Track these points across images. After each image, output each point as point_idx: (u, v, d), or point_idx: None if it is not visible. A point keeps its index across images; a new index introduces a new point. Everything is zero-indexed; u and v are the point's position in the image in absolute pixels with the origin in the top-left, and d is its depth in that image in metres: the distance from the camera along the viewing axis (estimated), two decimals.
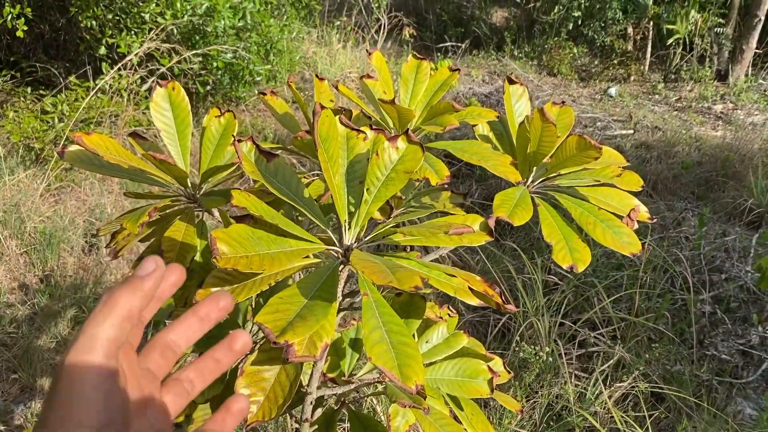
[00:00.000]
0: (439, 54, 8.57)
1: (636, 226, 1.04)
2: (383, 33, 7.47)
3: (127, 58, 3.72)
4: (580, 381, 2.38)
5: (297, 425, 0.94)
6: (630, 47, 8.22)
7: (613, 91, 7.35)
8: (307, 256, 0.76)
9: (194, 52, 3.82)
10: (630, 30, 8.23)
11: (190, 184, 0.94)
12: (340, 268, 0.77)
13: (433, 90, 1.02)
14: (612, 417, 2.20)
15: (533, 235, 3.56)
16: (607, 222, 0.99)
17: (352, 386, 0.94)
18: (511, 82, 1.11)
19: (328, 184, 0.73)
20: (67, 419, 0.34)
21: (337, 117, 0.81)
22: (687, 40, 7.72)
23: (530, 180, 1.08)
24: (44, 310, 2.57)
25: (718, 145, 5.04)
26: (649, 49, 7.94)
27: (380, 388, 1.12)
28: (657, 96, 7.23)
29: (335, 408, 1.09)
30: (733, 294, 2.93)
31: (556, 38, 8.74)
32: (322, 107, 0.70)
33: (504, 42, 9.14)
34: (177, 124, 0.96)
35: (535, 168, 1.07)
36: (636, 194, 1.11)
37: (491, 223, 0.81)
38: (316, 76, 1.09)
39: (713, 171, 4.43)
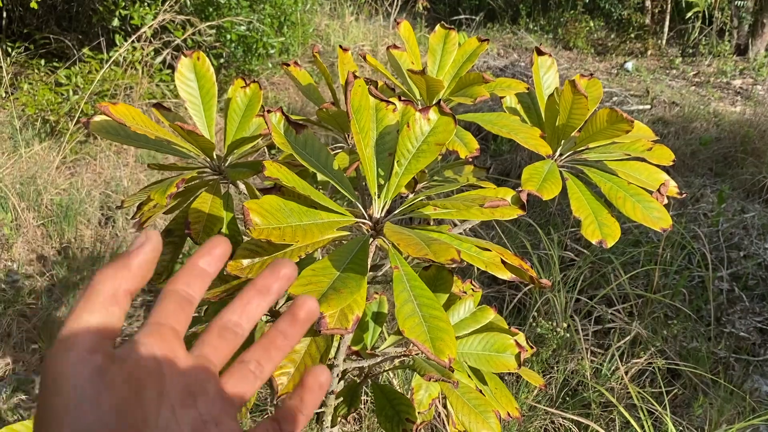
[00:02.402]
0: (452, 27, 8.44)
1: (666, 201, 1.03)
2: (396, 5, 7.38)
3: (141, 30, 3.69)
4: (596, 357, 2.38)
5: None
6: (647, 21, 8.08)
7: (629, 65, 7.24)
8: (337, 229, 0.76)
9: (208, 24, 3.78)
10: (648, 3, 8.08)
11: (215, 156, 0.93)
12: (370, 241, 0.76)
13: (461, 61, 1.00)
14: (628, 393, 2.20)
15: (549, 211, 3.54)
16: (637, 197, 0.98)
17: (378, 359, 0.94)
18: (540, 53, 1.08)
19: (359, 155, 0.72)
20: (49, 425, 0.31)
21: (368, 88, 0.79)
22: (706, 13, 7.58)
23: (558, 154, 1.07)
24: (62, 282, 2.59)
25: (737, 120, 4.97)
26: (667, 23, 7.80)
27: (400, 362, 1.12)
28: (674, 71, 7.11)
29: (358, 381, 1.09)
30: (752, 271, 2.91)
31: (572, 11, 8.61)
32: (355, 76, 0.68)
33: (519, 15, 9.02)
34: (202, 95, 0.94)
35: (563, 141, 1.06)
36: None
37: (523, 197, 0.79)
38: (340, 47, 1.07)
39: (732, 147, 4.37)
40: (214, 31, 4.01)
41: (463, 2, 9.72)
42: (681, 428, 2.06)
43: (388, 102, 0.80)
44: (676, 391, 2.32)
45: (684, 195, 1.09)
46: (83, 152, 3.51)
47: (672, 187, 1.07)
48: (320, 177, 1.02)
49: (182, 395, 0.36)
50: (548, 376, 2.20)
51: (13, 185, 2.97)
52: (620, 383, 2.24)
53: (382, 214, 0.77)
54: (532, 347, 1.18)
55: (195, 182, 0.96)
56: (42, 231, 2.88)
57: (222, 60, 4.29)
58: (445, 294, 0.90)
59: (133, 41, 3.72)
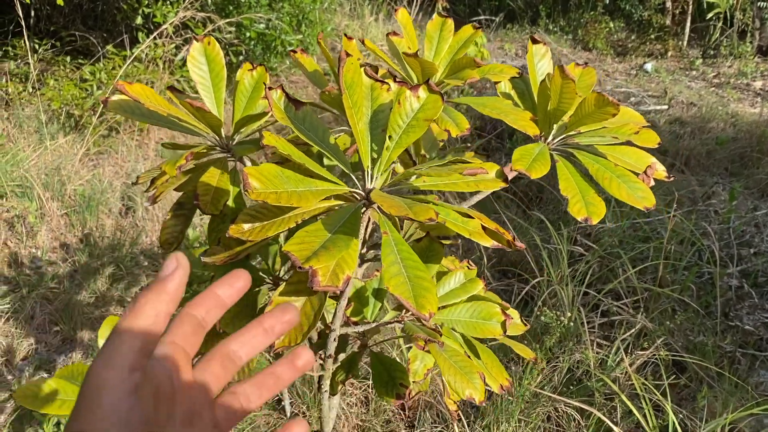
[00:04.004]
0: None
1: (652, 182, 1.07)
2: (416, 5, 7.44)
3: (162, 27, 3.79)
4: (601, 349, 2.41)
5: (321, 361, 1.00)
6: (668, 22, 8.05)
7: (648, 66, 7.23)
8: (331, 198, 0.82)
9: (227, 20, 3.88)
10: (668, 4, 8.05)
11: (224, 134, 1.00)
12: (362, 210, 0.82)
13: (456, 47, 1.05)
14: (632, 384, 2.23)
15: (561, 209, 3.57)
16: (623, 177, 1.02)
17: (373, 325, 1.00)
18: (535, 41, 1.13)
19: (352, 129, 0.78)
20: (83, 428, 0.34)
21: (363, 68, 0.85)
22: (728, 14, 7.53)
23: (551, 138, 1.12)
24: (84, 268, 2.68)
25: (754, 121, 4.95)
26: (688, 24, 7.76)
27: (399, 333, 1.17)
28: (694, 72, 7.08)
29: (358, 351, 1.15)
30: (762, 269, 2.92)
31: (592, 12, 8.61)
32: (348, 54, 0.74)
33: (539, 16, 9.03)
34: (212, 77, 1.01)
35: (555, 125, 1.11)
36: (669, 170, 1.14)
37: (507, 171, 0.85)
38: (345, 35, 1.13)
39: (748, 147, 4.37)
40: (233, 28, 4.10)
41: (483, 3, 9.76)
42: (681, 416, 2.09)
43: (383, 82, 0.86)
44: (681, 383, 2.34)
45: (672, 178, 1.13)
46: (106, 145, 3.62)
47: (660, 171, 1.12)
48: (326, 161, 1.09)
49: (185, 417, 0.39)
50: (552, 365, 2.24)
51: (39, 176, 3.08)
52: (624, 374, 2.27)
53: (375, 185, 0.83)
54: (525, 324, 1.23)
55: (204, 160, 1.03)
56: (65, 220, 2.99)
57: (241, 57, 4.39)
58: (436, 264, 0.95)
59: (154, 38, 3.82)
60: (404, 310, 1.01)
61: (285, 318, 0.45)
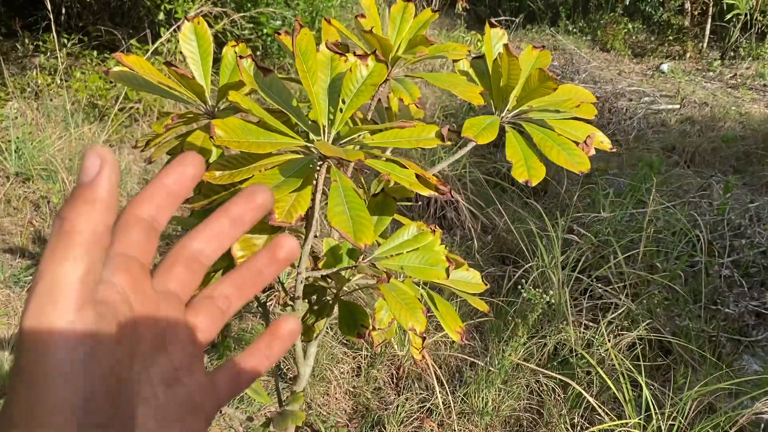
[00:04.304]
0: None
1: (593, 151, 1.19)
2: (435, 6, 7.56)
3: (180, 22, 3.97)
4: (588, 330, 2.51)
5: (291, 303, 1.14)
6: (687, 23, 8.06)
7: (665, 67, 7.26)
8: (298, 154, 0.95)
9: (241, 14, 4.05)
10: (687, 5, 8.06)
11: (209, 102, 1.14)
12: (318, 163, 0.95)
13: (416, 27, 1.18)
14: (619, 364, 2.33)
15: (562, 201, 3.67)
16: (563, 145, 1.14)
17: (335, 269, 1.13)
18: (493, 26, 1.26)
19: (306, 91, 0.91)
20: (34, 408, 0.26)
21: (326, 42, 0.99)
22: (748, 15, 7.53)
23: (505, 112, 1.24)
24: None
25: (763, 119, 4.99)
26: (708, 26, 7.77)
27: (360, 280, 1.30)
28: (711, 73, 7.10)
29: (330, 301, 1.29)
30: (754, 259, 2.99)
31: (611, 14, 8.65)
32: (301, 26, 0.87)
33: (558, 17, 9.10)
34: (200, 52, 1.15)
35: (509, 100, 1.23)
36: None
37: (444, 131, 0.97)
38: (325, 19, 1.27)
39: (754, 145, 4.41)
40: (251, 25, 4.28)
41: (503, 3, 9.86)
42: (659, 393, 2.19)
43: (341, 54, 0.99)
44: (664, 364, 2.43)
45: (614, 149, 1.25)
46: (126, 133, 3.81)
47: (605, 143, 1.24)
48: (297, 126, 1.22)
49: (154, 342, 0.32)
50: (537, 343, 2.35)
51: (63, 161, 3.27)
52: (608, 354, 2.37)
53: (329, 141, 0.96)
54: (486, 284, 1.35)
55: (194, 126, 1.17)
56: None
57: (258, 53, 4.56)
58: (389, 216, 1.08)
59: (173, 31, 4.01)
60: (361, 257, 1.14)
61: (257, 201, 0.35)
